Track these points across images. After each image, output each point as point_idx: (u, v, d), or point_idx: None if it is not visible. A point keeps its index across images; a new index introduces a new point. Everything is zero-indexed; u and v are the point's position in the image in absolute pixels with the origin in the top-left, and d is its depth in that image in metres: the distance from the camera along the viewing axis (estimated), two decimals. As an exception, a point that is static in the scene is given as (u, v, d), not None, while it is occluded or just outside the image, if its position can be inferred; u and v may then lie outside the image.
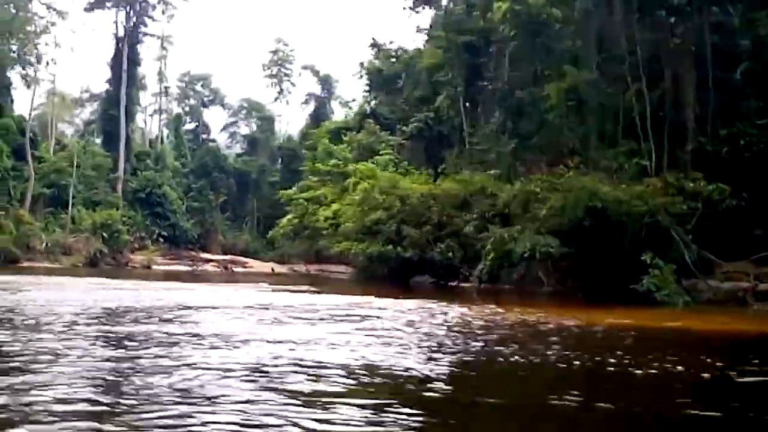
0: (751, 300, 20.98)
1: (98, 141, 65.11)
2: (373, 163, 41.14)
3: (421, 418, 5.02)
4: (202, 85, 79.61)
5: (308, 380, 6.10)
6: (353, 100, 63.49)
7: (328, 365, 6.94)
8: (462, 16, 41.34)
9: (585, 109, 30.00)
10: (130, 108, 61.76)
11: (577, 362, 7.72)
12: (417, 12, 47.38)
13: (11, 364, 6.31)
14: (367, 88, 55.85)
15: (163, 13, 64.97)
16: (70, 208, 52.10)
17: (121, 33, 61.49)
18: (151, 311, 12.99)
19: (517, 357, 7.92)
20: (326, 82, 75.31)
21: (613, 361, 7.80)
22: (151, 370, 6.23)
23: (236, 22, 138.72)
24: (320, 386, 5.91)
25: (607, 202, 22.82)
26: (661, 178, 24.49)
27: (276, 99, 76.96)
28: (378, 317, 13.18)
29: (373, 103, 54.50)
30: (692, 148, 26.10)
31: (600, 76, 29.38)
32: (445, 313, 14.17)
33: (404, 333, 10.40)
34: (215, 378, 5.96)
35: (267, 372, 6.39)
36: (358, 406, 5.09)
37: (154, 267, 49.23)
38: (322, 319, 12.55)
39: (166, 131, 74.93)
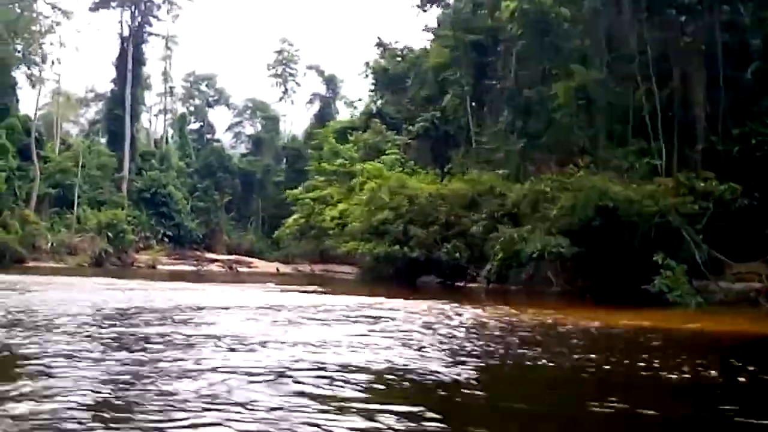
0: (763, 301, 20.73)
1: (103, 141, 65.12)
2: (379, 162, 41.00)
3: (465, 428, 4.84)
4: (206, 85, 79.61)
5: (336, 385, 5.93)
6: (359, 100, 63.50)
7: (353, 369, 6.78)
8: (470, 14, 41.16)
9: (594, 108, 29.81)
10: (135, 108, 61.74)
11: (607, 366, 7.54)
12: (425, 11, 47.22)
13: (31, 368, 6.16)
14: (373, 87, 55.75)
15: (168, 12, 65.16)
16: (75, 207, 52.11)
17: (126, 33, 61.53)
18: (164, 312, 12.84)
19: (544, 360, 7.75)
20: (331, 82, 75.24)
21: (642, 364, 7.63)
22: (175, 375, 6.07)
23: (241, 22, 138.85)
24: (350, 392, 5.74)
25: (618, 202, 22.62)
26: (673, 177, 24.30)
27: (281, 99, 77.02)
28: (392, 318, 13.03)
29: (379, 102, 54.40)
30: (703, 148, 25.91)
31: (609, 74, 29.21)
32: (460, 315, 13.99)
33: (422, 335, 10.23)
34: (241, 383, 5.80)
35: (291, 376, 6.22)
36: (395, 413, 4.91)
37: (159, 267, 49.16)
38: (336, 321, 12.40)
39: (170, 131, 74.96)
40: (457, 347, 9.06)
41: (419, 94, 47.24)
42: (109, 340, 8.58)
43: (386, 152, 43.52)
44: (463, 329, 11.16)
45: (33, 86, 56.50)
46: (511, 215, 28.72)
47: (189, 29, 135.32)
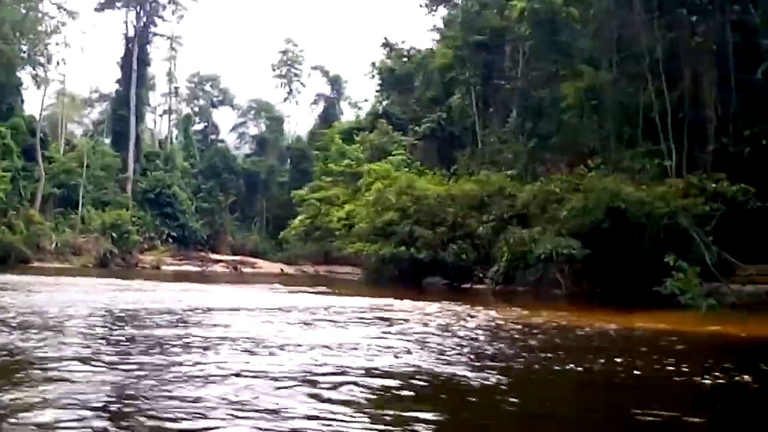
0: (776, 303, 20.54)
1: (108, 141, 65.14)
2: (386, 163, 40.86)
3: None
4: (211, 86, 79.64)
5: (364, 391, 5.74)
6: (365, 101, 63.41)
7: (377, 373, 6.61)
8: (477, 14, 41.00)
9: (603, 108, 29.64)
10: (139, 108, 61.75)
11: (637, 372, 7.34)
12: (434, 11, 47.14)
13: (51, 373, 6.00)
14: (379, 88, 55.63)
15: (173, 13, 65.17)
16: (80, 208, 52.07)
17: (131, 33, 61.55)
18: (175, 314, 12.69)
19: (571, 365, 7.55)
20: (336, 83, 75.19)
21: (671, 368, 7.44)
22: (198, 380, 5.90)
23: (246, 23, 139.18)
24: (380, 398, 5.56)
25: (630, 203, 22.45)
26: (684, 179, 24.12)
27: (285, 99, 77.02)
28: (406, 320, 12.88)
29: (385, 103, 54.26)
30: (713, 149, 25.72)
31: (618, 74, 29.05)
32: (473, 317, 13.82)
33: (441, 338, 10.06)
34: (267, 388, 5.62)
35: (316, 381, 6.05)
36: (430, 422, 4.74)
37: (164, 267, 49.08)
38: (349, 322, 12.23)
39: (175, 132, 74.95)
40: (478, 350, 8.89)
41: (425, 95, 47.11)
42: (126, 343, 8.44)
43: (392, 153, 43.38)
44: (481, 332, 10.99)
45: (38, 86, 56.54)
46: (519, 216, 28.53)
47: (194, 30, 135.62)
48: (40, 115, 56.04)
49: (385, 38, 55.26)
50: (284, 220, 55.10)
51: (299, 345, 8.70)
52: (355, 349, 8.57)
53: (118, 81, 62.14)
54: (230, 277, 41.07)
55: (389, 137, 45.91)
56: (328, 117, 70.55)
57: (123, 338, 8.97)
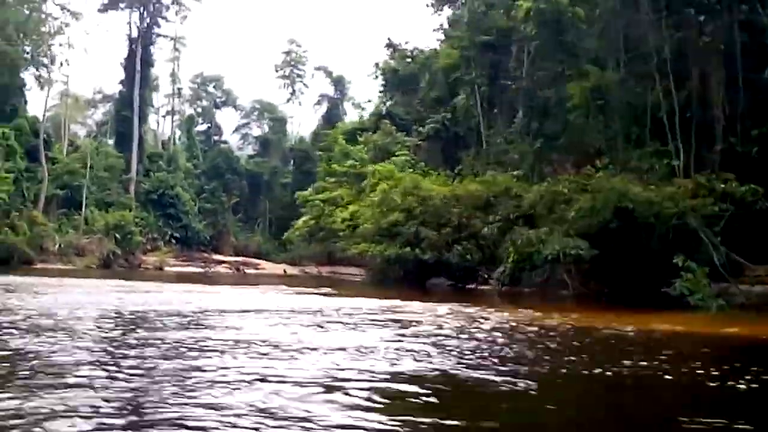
0: (786, 304, 20.37)
1: (111, 142, 65.09)
2: (390, 164, 40.70)
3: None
4: (214, 87, 79.53)
5: (392, 397, 5.60)
6: (369, 101, 63.25)
7: (403, 378, 6.45)
8: (484, 14, 40.85)
9: (610, 108, 29.48)
10: (142, 109, 61.65)
11: (669, 377, 7.17)
12: (440, 11, 46.99)
13: (70, 379, 5.84)
14: (383, 88, 55.47)
15: (177, 14, 65.14)
16: (83, 209, 51.97)
17: (134, 34, 61.48)
18: (186, 316, 12.55)
19: (599, 369, 7.39)
20: (339, 84, 75.04)
21: (701, 372, 7.29)
22: (222, 386, 5.74)
23: (249, 23, 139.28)
24: (410, 405, 5.40)
25: (638, 204, 22.29)
26: (693, 179, 23.96)
27: (288, 100, 76.85)
28: (419, 321, 12.74)
29: (388, 103, 54.10)
30: (721, 149, 25.57)
31: (626, 74, 28.90)
32: (486, 318, 13.68)
33: (458, 340, 9.92)
34: (294, 394, 5.46)
35: (343, 387, 5.89)
36: (465, 430, 4.59)
37: (167, 268, 48.96)
38: (363, 324, 12.08)
39: (178, 132, 74.89)
40: (498, 353, 8.74)
41: (429, 95, 46.93)
42: (141, 347, 8.28)
43: (396, 153, 43.22)
44: (498, 334, 10.83)
45: (41, 88, 56.53)
46: (526, 217, 28.36)
47: (197, 31, 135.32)
48: (44, 116, 55.97)
49: (389, 39, 55.20)
50: (287, 221, 54.95)
51: (317, 348, 8.56)
52: (375, 352, 8.43)
53: (121, 82, 62.09)
54: (234, 279, 40.90)
55: (393, 138, 45.75)
56: (332, 118, 70.36)
57: (137, 341, 8.81)
